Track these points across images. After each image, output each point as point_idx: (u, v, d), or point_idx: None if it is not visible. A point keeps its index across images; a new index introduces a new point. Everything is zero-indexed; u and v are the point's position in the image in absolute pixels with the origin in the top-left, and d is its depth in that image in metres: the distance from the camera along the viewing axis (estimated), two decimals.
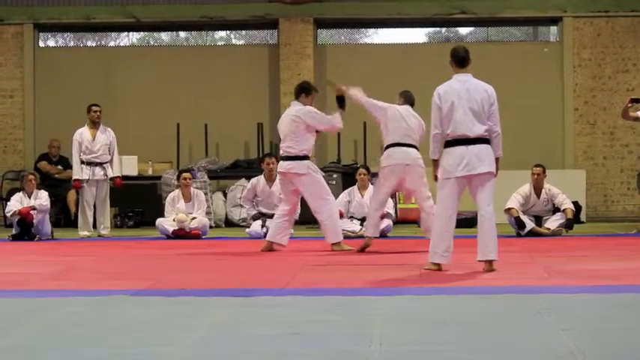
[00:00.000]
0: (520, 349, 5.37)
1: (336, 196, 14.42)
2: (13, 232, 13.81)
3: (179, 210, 14.08)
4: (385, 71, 17.69)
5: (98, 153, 14.58)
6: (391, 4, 18.14)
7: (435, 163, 9.15)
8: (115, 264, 10.59)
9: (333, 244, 11.47)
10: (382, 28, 19.47)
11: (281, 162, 11.56)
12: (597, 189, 17.95)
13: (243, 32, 19.97)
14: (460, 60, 9.19)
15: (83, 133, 14.63)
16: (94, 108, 14.75)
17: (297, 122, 11.34)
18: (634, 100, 13.96)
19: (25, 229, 13.65)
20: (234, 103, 18.22)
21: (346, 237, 13.35)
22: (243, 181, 16.60)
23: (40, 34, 18.82)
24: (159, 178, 17.01)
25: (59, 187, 16.58)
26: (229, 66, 18.34)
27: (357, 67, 17.82)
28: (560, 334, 5.70)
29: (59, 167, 17.07)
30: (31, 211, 13.60)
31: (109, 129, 14.77)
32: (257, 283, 8.48)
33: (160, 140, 17.83)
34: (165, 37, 20.00)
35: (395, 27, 19.10)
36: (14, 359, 5.26)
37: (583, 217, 16.72)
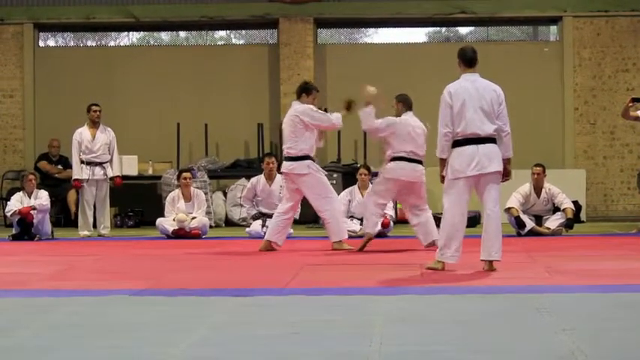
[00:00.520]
0: (520, 349, 5.37)
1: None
2: (13, 231, 13.81)
3: (179, 210, 14.08)
4: (385, 71, 17.67)
5: (98, 153, 14.58)
6: (391, 3, 18.13)
7: (443, 162, 9.11)
8: (115, 264, 10.59)
9: (335, 242, 11.48)
10: (382, 27, 19.45)
11: (283, 162, 11.63)
12: (597, 188, 17.94)
13: (243, 32, 19.96)
14: (468, 60, 9.19)
15: (83, 132, 14.63)
16: (93, 108, 14.75)
17: (296, 121, 11.36)
18: (634, 100, 13.96)
19: (25, 228, 13.65)
20: (235, 102, 18.21)
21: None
22: (243, 180, 16.60)
23: (40, 33, 18.81)
24: (159, 177, 17.01)
25: (59, 186, 16.58)
26: (229, 66, 18.34)
27: (358, 67, 17.82)
28: (560, 333, 5.70)
29: (59, 167, 17.06)
30: (31, 211, 13.60)
31: (108, 128, 14.77)
32: (257, 283, 8.48)
33: (160, 140, 17.83)
34: (165, 36, 19.99)
35: (395, 27, 19.08)
36: (15, 359, 5.26)
37: (583, 216, 16.71)
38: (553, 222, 13.80)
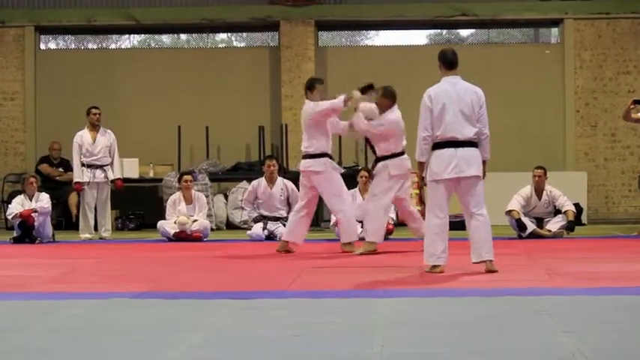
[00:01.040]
0: (521, 351, 5.37)
1: None
2: (15, 234, 13.81)
3: (180, 212, 14.08)
4: (386, 73, 17.61)
5: (99, 155, 14.58)
6: (392, 6, 18.14)
7: (422, 165, 9.18)
8: (116, 266, 10.59)
9: (345, 243, 11.47)
10: (383, 30, 19.45)
11: (301, 161, 11.69)
12: (598, 191, 17.94)
13: (244, 34, 19.96)
14: (449, 62, 9.24)
15: (83, 135, 14.63)
16: (93, 110, 14.74)
17: (305, 118, 11.46)
18: (636, 102, 13.95)
19: (26, 231, 13.65)
20: (235, 105, 18.21)
21: None
22: (244, 183, 16.60)
23: (41, 36, 18.82)
24: (160, 180, 17.00)
25: (60, 189, 16.57)
26: (230, 68, 18.34)
27: (359, 69, 17.79)
28: (561, 336, 5.70)
29: (60, 170, 17.06)
30: (32, 214, 13.60)
31: (109, 131, 14.77)
32: (258, 286, 8.49)
33: (161, 143, 17.83)
34: (166, 39, 20.01)
35: (396, 29, 19.08)
36: None
37: (584, 219, 16.70)
38: (554, 224, 13.79)
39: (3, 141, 18.33)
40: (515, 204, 13.68)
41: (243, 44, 20.13)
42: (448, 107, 8.99)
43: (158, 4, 18.30)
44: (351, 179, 15.80)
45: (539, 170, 13.94)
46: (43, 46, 18.90)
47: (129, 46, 19.82)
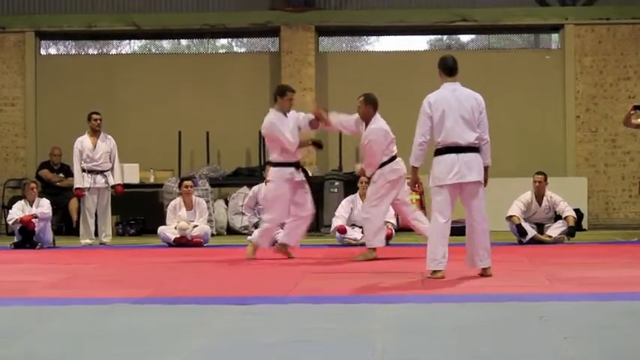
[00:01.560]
0: (522, 357, 5.36)
1: (337, 203, 14.44)
2: (15, 240, 13.82)
3: (181, 218, 14.08)
4: (387, 79, 17.69)
5: (99, 161, 14.58)
6: (393, 11, 18.16)
7: (415, 170, 9.25)
8: (117, 272, 10.58)
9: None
10: (384, 35, 19.45)
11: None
12: (599, 196, 17.94)
13: (245, 40, 19.96)
14: (449, 69, 9.28)
15: (84, 141, 14.63)
16: (94, 116, 14.75)
17: (283, 131, 11.64)
18: (636, 107, 13.93)
19: (26, 237, 13.65)
20: (236, 110, 18.21)
21: (349, 245, 13.37)
22: (244, 188, 16.60)
23: (42, 41, 18.83)
24: (160, 186, 17.01)
25: (61, 195, 16.57)
26: (231, 74, 18.35)
27: (359, 75, 17.83)
28: (561, 341, 5.70)
29: (61, 175, 17.06)
30: (33, 219, 13.60)
31: (109, 137, 14.77)
32: (259, 291, 8.47)
33: (161, 148, 17.83)
34: (166, 44, 20.01)
35: (396, 34, 19.09)
36: None
37: (585, 224, 16.70)
38: (555, 230, 13.79)
39: (4, 146, 18.34)
40: (516, 209, 13.68)
41: (243, 50, 20.13)
42: (448, 113, 9.02)
43: (159, 10, 18.32)
44: (351, 185, 15.84)
45: (539, 176, 13.93)
46: (43, 52, 18.91)
47: (129, 52, 19.83)
